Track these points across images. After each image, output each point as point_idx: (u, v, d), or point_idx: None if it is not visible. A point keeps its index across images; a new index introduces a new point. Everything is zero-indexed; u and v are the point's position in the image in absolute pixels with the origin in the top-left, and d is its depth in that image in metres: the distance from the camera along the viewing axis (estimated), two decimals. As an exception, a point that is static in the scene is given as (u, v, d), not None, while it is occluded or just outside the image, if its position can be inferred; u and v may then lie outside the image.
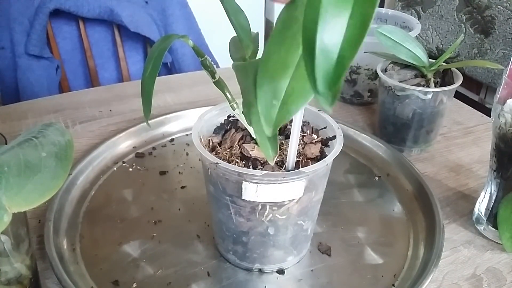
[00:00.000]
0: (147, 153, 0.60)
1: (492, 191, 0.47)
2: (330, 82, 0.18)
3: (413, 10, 1.62)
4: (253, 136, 0.38)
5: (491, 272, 0.44)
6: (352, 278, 0.43)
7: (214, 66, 0.37)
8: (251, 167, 0.37)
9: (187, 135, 0.63)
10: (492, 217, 0.47)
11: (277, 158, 0.38)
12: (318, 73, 0.18)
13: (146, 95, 0.34)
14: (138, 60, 1.10)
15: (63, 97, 0.76)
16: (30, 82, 0.97)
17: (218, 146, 0.40)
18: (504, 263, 0.45)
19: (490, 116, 0.46)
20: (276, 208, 0.37)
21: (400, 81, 0.57)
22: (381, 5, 1.75)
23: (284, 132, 0.41)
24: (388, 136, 0.61)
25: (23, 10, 0.94)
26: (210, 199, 0.41)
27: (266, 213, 0.37)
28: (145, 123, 0.62)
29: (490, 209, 0.47)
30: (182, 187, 0.54)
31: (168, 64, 1.11)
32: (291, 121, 0.40)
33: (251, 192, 0.35)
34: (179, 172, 0.56)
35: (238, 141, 0.39)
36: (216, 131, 0.42)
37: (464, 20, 1.43)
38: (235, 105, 0.38)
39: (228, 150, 0.39)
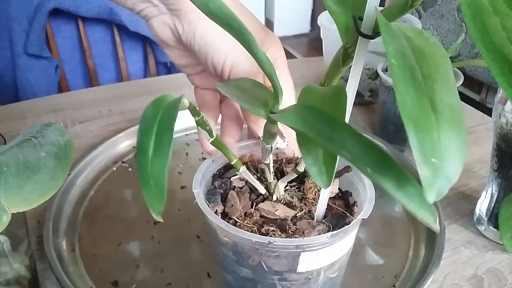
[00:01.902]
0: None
1: (493, 191, 0.47)
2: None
3: (413, 10, 1.62)
4: (261, 191, 0.35)
5: (492, 273, 0.44)
6: (353, 279, 0.43)
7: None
8: (289, 231, 0.32)
9: (186, 135, 0.63)
10: (493, 217, 0.47)
11: (300, 211, 0.34)
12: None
13: (156, 183, 0.25)
14: (138, 59, 1.10)
15: (62, 97, 0.76)
16: (29, 82, 0.97)
17: (226, 215, 0.34)
18: (505, 263, 0.45)
19: (491, 116, 0.46)
20: (328, 269, 0.33)
21: (400, 81, 0.57)
22: (381, 4, 1.75)
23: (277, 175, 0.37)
24: (389, 136, 0.61)
25: (22, 10, 0.94)
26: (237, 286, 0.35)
27: (321, 278, 0.34)
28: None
29: (491, 209, 0.47)
30: (182, 187, 0.54)
31: (168, 64, 1.11)
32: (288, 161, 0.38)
33: (310, 261, 0.31)
34: (179, 172, 0.56)
35: (252, 205, 0.34)
36: (211, 199, 0.35)
37: (465, 20, 1.43)
38: (240, 165, 0.34)
39: (248, 218, 0.33)
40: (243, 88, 0.31)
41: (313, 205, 0.34)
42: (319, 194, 0.35)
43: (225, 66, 0.35)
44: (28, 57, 0.96)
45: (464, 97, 0.76)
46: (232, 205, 0.34)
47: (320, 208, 0.33)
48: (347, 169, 0.36)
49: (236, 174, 0.36)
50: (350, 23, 0.26)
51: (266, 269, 0.32)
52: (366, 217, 0.32)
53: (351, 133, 0.22)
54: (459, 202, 0.53)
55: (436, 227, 0.21)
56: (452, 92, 0.19)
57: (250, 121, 0.39)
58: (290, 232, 0.32)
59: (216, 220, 0.31)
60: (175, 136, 0.63)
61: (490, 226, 0.47)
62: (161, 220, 0.25)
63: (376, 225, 0.49)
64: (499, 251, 0.46)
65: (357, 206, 0.35)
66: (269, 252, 0.31)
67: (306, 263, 0.31)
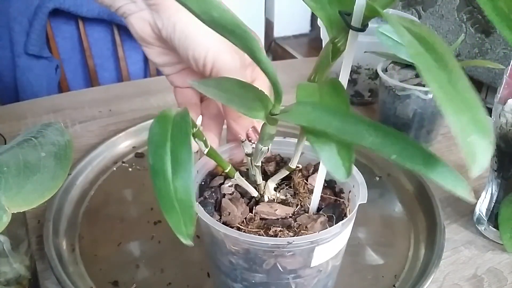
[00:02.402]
0: (146, 153, 0.59)
1: (493, 191, 0.47)
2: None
3: (413, 10, 1.61)
4: (253, 194, 0.35)
5: (492, 273, 0.44)
6: (353, 279, 0.43)
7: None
8: (294, 228, 0.32)
9: (187, 135, 0.63)
10: (493, 217, 0.47)
11: (296, 207, 0.34)
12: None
13: (183, 206, 0.23)
14: (138, 60, 1.10)
15: (62, 97, 0.76)
16: (29, 82, 0.97)
17: (226, 225, 0.32)
18: (505, 263, 0.45)
19: (490, 116, 0.46)
20: (334, 258, 0.33)
21: (400, 81, 0.57)
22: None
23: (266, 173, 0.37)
24: (389, 136, 0.61)
25: (22, 10, 0.94)
26: None
27: (329, 268, 0.34)
28: (145, 123, 0.62)
29: (491, 209, 0.47)
30: (182, 187, 0.54)
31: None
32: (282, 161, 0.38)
33: (323, 254, 0.31)
34: (179, 172, 0.56)
35: (250, 210, 0.34)
36: (205, 210, 0.33)
37: (465, 20, 1.43)
38: (233, 173, 0.33)
39: (250, 224, 0.32)
40: (227, 89, 0.30)
41: (306, 199, 0.35)
42: (308, 188, 0.35)
43: (206, 60, 0.34)
44: (28, 57, 0.96)
45: (464, 97, 0.76)
46: (230, 213, 0.33)
47: (315, 200, 0.33)
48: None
49: (225, 182, 0.36)
50: (333, 16, 0.26)
51: (281, 270, 0.31)
52: (365, 202, 0.32)
53: (364, 122, 0.22)
54: (459, 202, 0.53)
55: (472, 199, 0.22)
56: (461, 75, 0.19)
57: (231, 119, 0.38)
58: (295, 229, 0.32)
59: (227, 231, 0.30)
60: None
61: (490, 226, 0.47)
62: (192, 244, 0.23)
63: (376, 225, 0.49)
64: (499, 251, 0.46)
65: (344, 193, 0.36)
66: (285, 252, 0.30)
67: (319, 256, 0.31)
